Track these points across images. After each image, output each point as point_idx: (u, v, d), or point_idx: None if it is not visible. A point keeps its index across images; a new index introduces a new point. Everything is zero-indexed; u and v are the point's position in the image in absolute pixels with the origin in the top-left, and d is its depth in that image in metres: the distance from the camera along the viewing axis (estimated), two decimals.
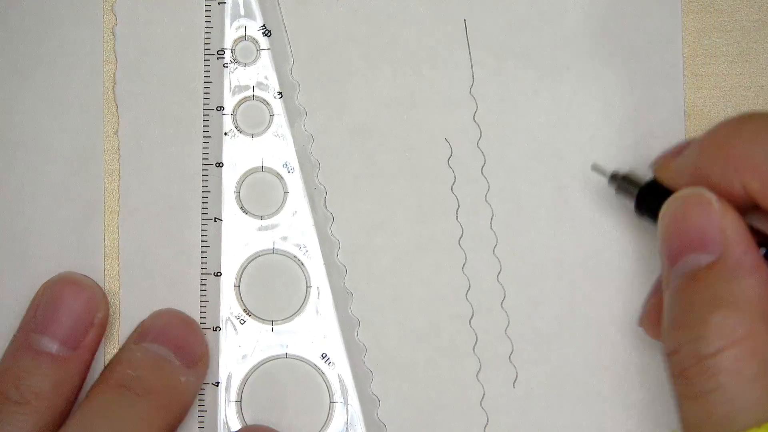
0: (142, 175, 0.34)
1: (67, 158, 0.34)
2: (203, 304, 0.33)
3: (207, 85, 0.34)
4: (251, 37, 0.34)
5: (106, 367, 0.31)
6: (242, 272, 0.33)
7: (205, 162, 0.34)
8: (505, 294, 0.33)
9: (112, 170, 0.34)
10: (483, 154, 0.34)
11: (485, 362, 0.33)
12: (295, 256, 0.33)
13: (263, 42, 0.34)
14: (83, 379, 0.31)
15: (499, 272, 0.33)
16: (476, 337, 0.33)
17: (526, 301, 0.33)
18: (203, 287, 0.33)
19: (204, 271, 0.33)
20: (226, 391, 0.32)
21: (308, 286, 0.33)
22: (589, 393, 0.32)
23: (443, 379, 0.33)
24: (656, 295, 0.30)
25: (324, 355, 0.33)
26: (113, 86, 0.34)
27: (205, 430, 0.32)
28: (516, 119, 0.34)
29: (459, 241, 0.33)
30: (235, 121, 0.34)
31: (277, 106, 0.34)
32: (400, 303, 0.33)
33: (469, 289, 0.33)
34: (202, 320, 0.33)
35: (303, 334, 0.33)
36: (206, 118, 0.34)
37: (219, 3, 0.34)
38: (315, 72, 0.34)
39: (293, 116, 0.34)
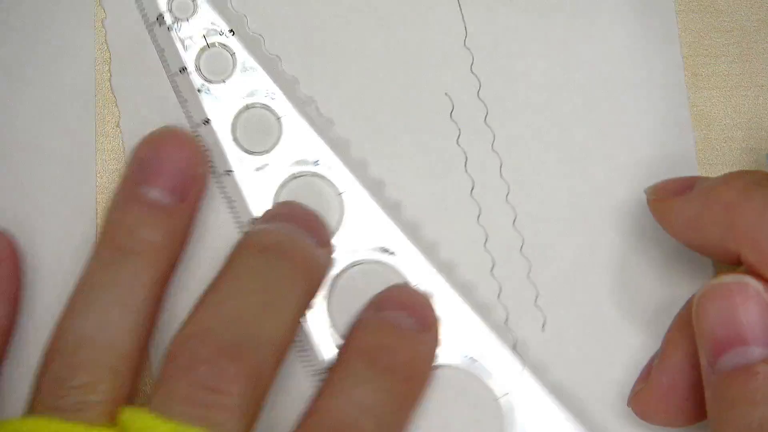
0: None
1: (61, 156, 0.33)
2: None
3: (161, 53, 0.33)
4: None
5: (241, 238, 0.30)
6: None
7: (193, 125, 0.33)
8: (523, 240, 0.33)
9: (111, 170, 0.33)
10: (484, 105, 0.33)
11: (512, 310, 0.32)
12: (315, 173, 0.32)
13: None
14: (190, 231, 0.31)
15: (515, 219, 0.33)
16: (500, 287, 0.33)
17: (545, 244, 0.33)
18: None
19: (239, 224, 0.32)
20: None
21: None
22: (619, 329, 0.33)
23: None
24: (647, 377, 0.30)
25: None
26: (109, 78, 0.33)
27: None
28: (513, 66, 0.34)
29: (471, 192, 0.33)
30: (201, 75, 0.32)
31: (234, 43, 0.33)
32: None
33: (486, 240, 0.33)
34: None
35: None
36: (174, 83, 0.33)
37: None
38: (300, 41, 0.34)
39: (252, 44, 0.33)
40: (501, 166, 0.33)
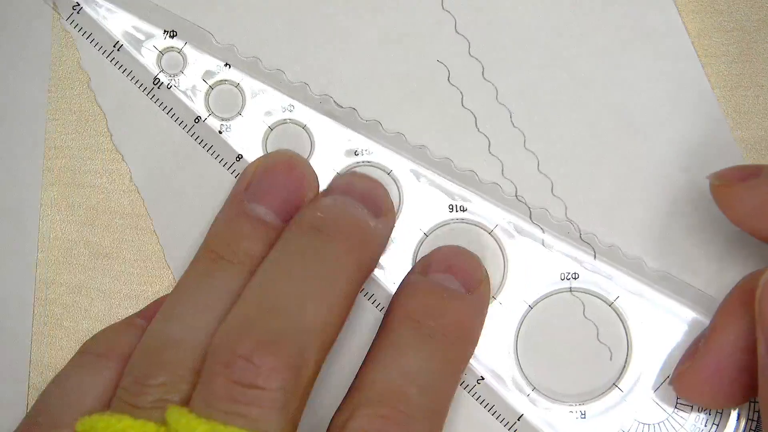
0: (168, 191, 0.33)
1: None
2: None
3: (171, 113, 0.33)
4: (164, 49, 0.33)
5: (297, 215, 0.30)
6: None
7: (227, 164, 0.33)
8: (552, 183, 0.33)
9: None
10: (479, 61, 0.33)
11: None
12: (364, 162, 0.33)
13: (177, 43, 0.33)
14: None
15: (538, 164, 0.33)
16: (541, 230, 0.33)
17: (573, 185, 0.33)
18: None
19: None
20: None
21: None
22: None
23: None
24: (692, 357, 0.29)
25: None
26: (110, 137, 0.34)
27: None
28: (498, 17, 0.33)
29: (489, 149, 0.33)
30: (217, 117, 0.33)
31: (234, 74, 0.33)
32: None
33: (516, 191, 0.33)
34: None
35: None
36: (195, 134, 0.33)
37: (117, 47, 0.33)
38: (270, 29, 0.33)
39: (251, 68, 0.33)
40: (511, 116, 0.33)
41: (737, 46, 0.33)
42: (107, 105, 0.34)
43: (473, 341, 0.30)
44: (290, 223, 0.29)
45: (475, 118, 0.33)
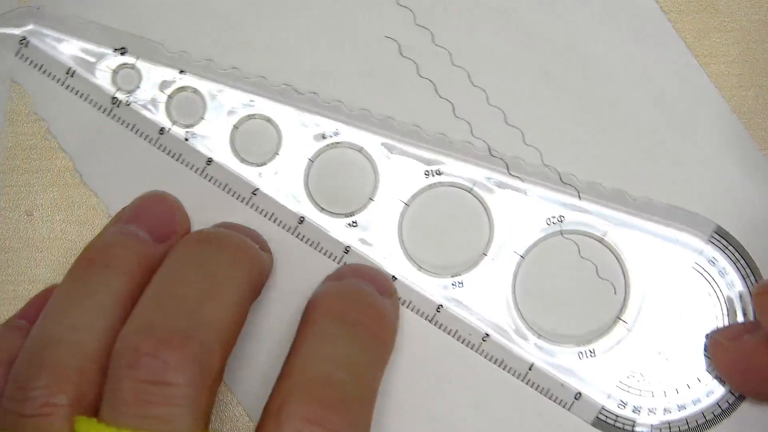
0: None
1: None
2: None
3: (134, 129, 0.33)
4: (117, 67, 0.33)
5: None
6: None
7: (199, 170, 0.33)
8: (522, 134, 0.33)
9: None
10: (427, 29, 0.33)
11: None
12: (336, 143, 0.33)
13: (129, 59, 0.33)
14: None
15: (505, 117, 0.33)
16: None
17: (541, 132, 0.33)
18: None
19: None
20: None
21: None
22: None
23: None
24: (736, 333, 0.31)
25: None
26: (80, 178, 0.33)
27: None
28: None
29: (454, 112, 0.33)
30: (181, 125, 0.33)
31: (190, 80, 0.33)
32: None
33: (490, 149, 0.33)
34: None
35: None
36: (161, 146, 0.33)
37: (70, 74, 0.33)
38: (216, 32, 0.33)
39: (206, 71, 0.33)
40: (469, 76, 0.33)
41: (737, 46, 0.33)
42: (71, 147, 0.33)
43: (393, 334, 0.31)
44: (178, 242, 0.30)
45: (435, 85, 0.33)
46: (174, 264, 0.29)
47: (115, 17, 0.33)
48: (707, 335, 0.31)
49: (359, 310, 0.30)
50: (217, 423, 0.32)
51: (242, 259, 0.30)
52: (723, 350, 0.31)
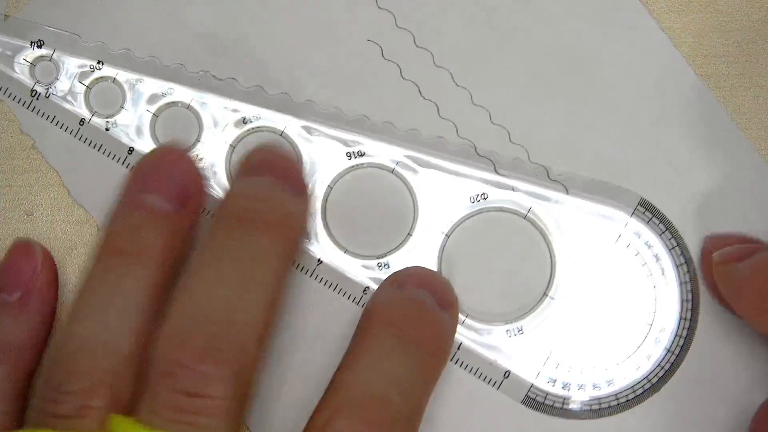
0: None
1: None
2: None
3: (56, 121, 0.33)
4: (34, 60, 0.33)
5: (218, 207, 0.30)
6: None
7: (120, 159, 0.33)
8: (508, 133, 0.33)
9: None
10: (408, 31, 0.33)
11: None
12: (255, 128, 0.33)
13: (46, 51, 0.33)
14: (191, 240, 0.30)
15: (490, 117, 0.33)
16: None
17: (528, 129, 0.33)
18: None
19: None
20: None
21: None
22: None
23: None
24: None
25: None
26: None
27: None
28: None
29: (439, 113, 0.33)
30: (100, 115, 0.33)
31: (109, 70, 0.33)
32: None
33: (476, 148, 0.32)
34: None
35: None
36: (82, 137, 0.33)
37: None
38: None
39: (125, 61, 0.33)
40: (452, 76, 0.33)
41: (737, 46, 0.33)
42: (59, 164, 0.33)
43: (447, 354, 0.31)
44: (214, 217, 0.29)
45: (418, 87, 0.33)
46: (208, 259, 0.28)
47: (31, 12, 0.33)
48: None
49: (418, 327, 0.29)
50: None
51: (279, 237, 0.29)
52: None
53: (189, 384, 0.26)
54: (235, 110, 0.33)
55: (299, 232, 0.30)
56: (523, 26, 0.33)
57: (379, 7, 0.33)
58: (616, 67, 0.33)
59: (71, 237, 0.33)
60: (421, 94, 0.33)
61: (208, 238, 0.29)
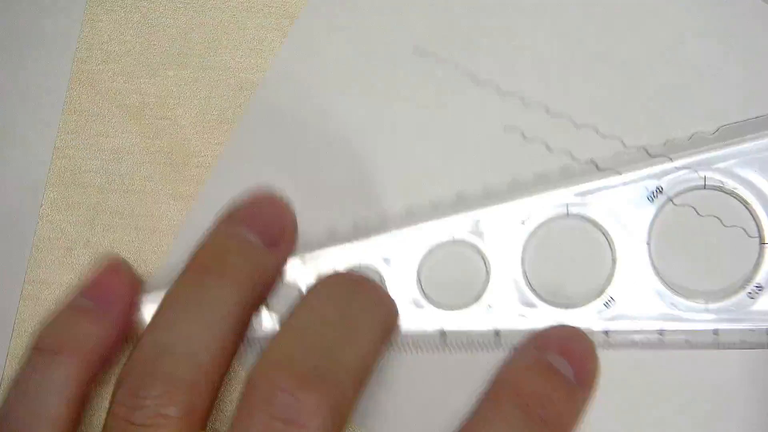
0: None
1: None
2: None
3: None
4: None
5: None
6: None
7: None
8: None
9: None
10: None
11: None
12: None
13: None
14: (279, 279, 0.32)
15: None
16: None
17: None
18: None
19: None
20: None
21: None
22: None
23: None
24: None
25: None
26: None
27: None
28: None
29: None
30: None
31: None
32: None
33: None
34: None
35: None
36: None
37: None
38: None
39: None
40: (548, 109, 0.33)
41: None
42: None
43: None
44: (319, 277, 0.31)
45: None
46: (314, 301, 0.29)
47: None
48: None
49: (547, 404, 0.29)
50: None
51: (378, 303, 0.30)
52: None
53: (286, 410, 0.26)
54: None
55: (395, 317, 0.31)
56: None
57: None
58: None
59: (71, 237, 0.34)
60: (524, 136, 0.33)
61: (310, 289, 0.30)
